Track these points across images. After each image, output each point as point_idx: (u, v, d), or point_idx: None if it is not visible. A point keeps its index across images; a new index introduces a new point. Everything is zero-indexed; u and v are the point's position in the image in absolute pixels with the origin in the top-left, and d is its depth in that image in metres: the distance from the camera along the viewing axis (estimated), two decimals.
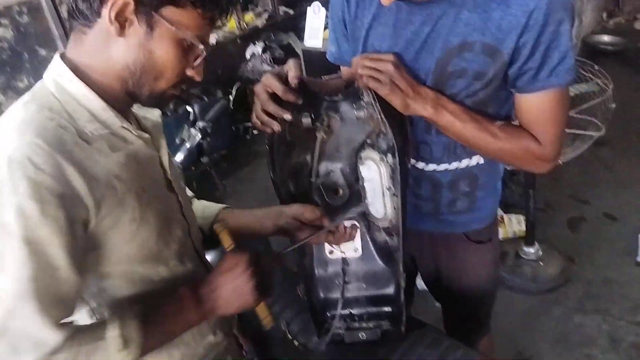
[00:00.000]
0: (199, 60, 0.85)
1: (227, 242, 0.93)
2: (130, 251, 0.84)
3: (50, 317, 0.72)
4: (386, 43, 1.01)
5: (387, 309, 1.19)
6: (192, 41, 0.82)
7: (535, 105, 0.99)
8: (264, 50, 4.03)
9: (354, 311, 1.20)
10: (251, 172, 3.55)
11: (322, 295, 1.20)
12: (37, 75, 2.78)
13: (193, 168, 3.15)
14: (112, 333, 0.77)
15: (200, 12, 0.80)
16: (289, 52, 4.10)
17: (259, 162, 3.60)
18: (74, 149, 0.76)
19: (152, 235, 0.86)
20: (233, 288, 0.88)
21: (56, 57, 0.84)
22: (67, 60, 0.83)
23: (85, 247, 0.78)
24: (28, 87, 0.84)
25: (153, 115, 0.97)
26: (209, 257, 1.37)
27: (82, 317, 0.86)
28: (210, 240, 1.09)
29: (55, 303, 0.73)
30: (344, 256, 1.15)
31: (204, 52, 0.84)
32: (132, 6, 0.76)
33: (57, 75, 0.82)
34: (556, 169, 1.98)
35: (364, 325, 1.19)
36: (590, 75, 1.85)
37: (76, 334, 0.75)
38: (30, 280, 0.71)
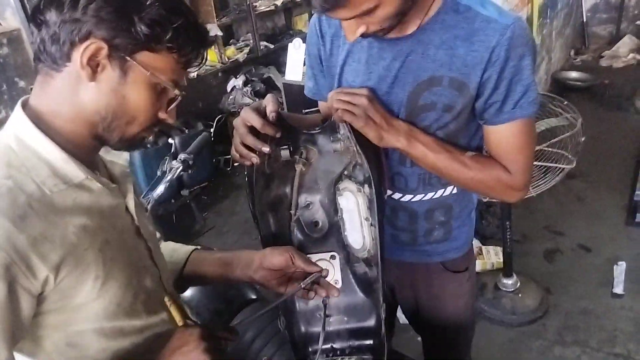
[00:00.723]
0: (173, 105, 0.85)
1: (177, 317, 0.89)
2: (98, 308, 0.81)
3: None
4: (360, 78, 1.05)
5: (369, 341, 1.18)
6: (166, 86, 0.81)
7: (503, 136, 1.02)
8: (244, 84, 4.09)
9: (336, 345, 1.19)
10: (231, 204, 3.53)
11: (303, 329, 1.19)
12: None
13: (173, 201, 3.12)
14: None
15: (176, 57, 0.79)
16: (270, 85, 4.17)
17: (239, 194, 3.60)
18: (28, 213, 0.72)
19: (119, 290, 0.83)
20: None
21: (17, 108, 0.80)
22: (29, 108, 0.80)
23: (42, 311, 0.76)
24: (5, 119, 0.81)
25: (120, 159, 0.94)
26: (188, 292, 1.35)
27: None
28: (179, 285, 1.08)
29: None
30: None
31: (179, 96, 0.84)
32: (105, 51, 0.74)
33: (18, 129, 0.78)
34: (530, 201, 2.03)
35: (346, 359, 1.18)
36: (560, 110, 1.92)
37: None
38: None
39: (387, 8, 0.88)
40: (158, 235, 1.10)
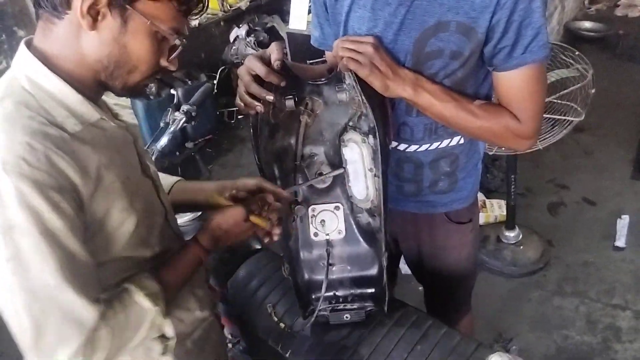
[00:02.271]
0: (175, 54, 0.85)
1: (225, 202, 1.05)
2: (121, 239, 0.86)
3: (86, 296, 0.75)
4: (365, 25, 1.02)
5: (371, 290, 1.21)
6: (166, 35, 0.81)
7: (512, 82, 1.00)
8: (247, 34, 3.99)
9: (339, 293, 1.22)
10: (236, 157, 3.53)
11: (306, 277, 1.21)
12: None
13: (178, 153, 3.12)
14: (139, 296, 0.83)
15: (176, 5, 0.79)
16: (273, 35, 4.07)
17: (243, 147, 3.59)
18: (61, 144, 0.76)
19: (139, 223, 0.87)
20: (236, 235, 1.01)
21: (22, 48, 0.81)
22: (35, 50, 0.80)
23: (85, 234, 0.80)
24: (6, 69, 0.82)
25: (124, 112, 0.97)
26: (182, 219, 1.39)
27: None
28: None
29: (84, 283, 0.76)
30: (328, 238, 1.16)
31: (180, 45, 0.84)
32: (102, 8, 0.75)
33: (29, 70, 0.79)
34: (536, 154, 2.02)
35: (348, 306, 1.21)
36: (571, 61, 1.87)
37: (108, 308, 0.78)
38: (59, 268, 0.73)
39: None
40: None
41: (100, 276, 0.85)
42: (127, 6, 0.76)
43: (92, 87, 0.84)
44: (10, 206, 0.71)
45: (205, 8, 0.86)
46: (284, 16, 3.93)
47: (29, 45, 0.81)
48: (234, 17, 3.97)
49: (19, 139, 0.72)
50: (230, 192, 1.07)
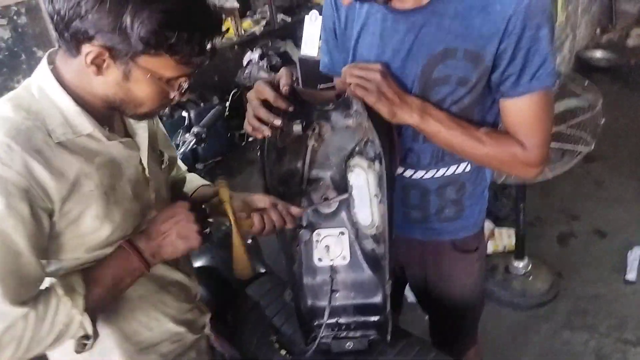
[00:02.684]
0: (183, 90, 0.89)
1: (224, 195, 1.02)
2: (93, 242, 0.91)
3: (13, 297, 0.80)
4: (374, 52, 1.04)
5: (374, 318, 1.19)
6: (168, 85, 0.86)
7: (519, 109, 1.00)
8: (261, 57, 4.05)
9: (342, 320, 1.20)
10: (245, 179, 3.55)
11: (309, 303, 1.20)
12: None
13: None
14: (58, 288, 0.85)
15: (177, 59, 0.82)
16: (286, 59, 4.13)
17: (252, 169, 3.61)
18: (43, 148, 0.82)
19: (114, 231, 0.92)
20: (177, 233, 0.93)
21: (44, 62, 0.88)
22: (54, 66, 0.88)
23: (49, 235, 0.86)
24: None
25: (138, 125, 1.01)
26: (198, 263, 1.38)
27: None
28: None
29: (18, 285, 0.81)
30: (332, 264, 1.16)
31: (177, 96, 0.89)
32: (107, 54, 0.80)
33: (41, 80, 0.87)
34: (547, 183, 2.00)
35: (351, 334, 1.19)
36: (581, 91, 1.87)
37: (37, 302, 0.83)
38: None
39: None
40: (184, 167, 1.27)
41: (64, 267, 0.91)
42: (129, 61, 0.81)
43: (102, 110, 0.89)
44: None
45: (210, 56, 0.87)
46: (297, 41, 3.99)
47: (51, 60, 0.88)
48: (248, 42, 4.04)
49: (0, 139, 0.79)
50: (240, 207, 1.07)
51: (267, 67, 4.03)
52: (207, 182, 1.22)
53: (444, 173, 1.14)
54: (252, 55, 4.02)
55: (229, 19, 3.76)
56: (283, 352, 1.24)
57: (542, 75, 0.96)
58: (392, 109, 0.97)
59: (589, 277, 2.45)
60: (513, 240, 2.50)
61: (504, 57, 0.95)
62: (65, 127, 0.85)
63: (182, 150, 1.67)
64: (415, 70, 1.00)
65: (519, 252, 2.41)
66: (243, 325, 1.36)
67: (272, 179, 1.10)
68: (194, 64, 0.85)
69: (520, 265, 2.41)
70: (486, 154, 1.03)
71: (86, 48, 0.79)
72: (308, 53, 2.67)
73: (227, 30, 0.89)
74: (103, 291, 0.90)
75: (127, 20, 0.76)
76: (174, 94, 0.89)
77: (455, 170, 1.14)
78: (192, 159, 3.26)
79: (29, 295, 0.83)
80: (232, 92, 3.79)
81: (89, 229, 0.89)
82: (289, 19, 4.23)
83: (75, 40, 0.80)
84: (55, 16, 0.79)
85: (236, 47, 4.02)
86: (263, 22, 4.08)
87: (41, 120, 0.84)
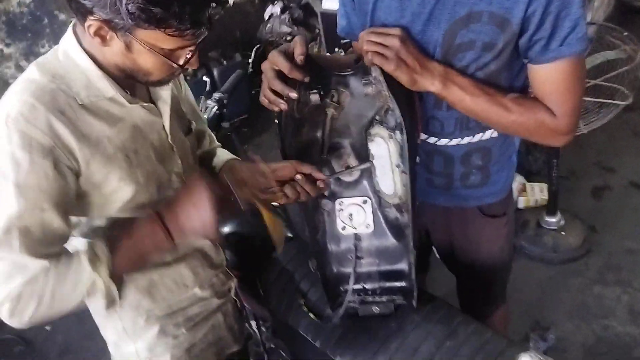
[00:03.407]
0: (190, 59, 0.88)
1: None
2: (117, 203, 0.94)
3: (33, 250, 0.83)
4: (392, 16, 0.98)
5: (400, 284, 1.19)
6: (170, 59, 0.86)
7: (548, 75, 0.95)
8: (282, 11, 3.94)
9: (367, 286, 1.21)
10: (270, 138, 3.54)
11: (335, 269, 1.21)
12: (58, 39, 2.79)
13: (215, 133, 3.16)
14: (84, 258, 0.88)
15: (169, 32, 0.81)
16: (309, 12, 4.01)
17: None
18: (66, 110, 0.86)
19: (137, 193, 0.94)
20: (197, 222, 0.92)
21: (70, 29, 0.91)
22: (77, 34, 0.90)
23: (77, 194, 0.89)
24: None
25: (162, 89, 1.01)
26: (226, 228, 1.41)
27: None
28: None
29: (39, 239, 0.84)
30: (356, 232, 1.15)
31: (193, 53, 0.87)
32: (106, 27, 0.81)
33: (67, 46, 0.90)
34: (581, 135, 1.93)
35: (377, 299, 1.20)
36: (619, 42, 1.76)
37: (59, 260, 0.86)
38: (16, 217, 0.82)
39: None
40: (217, 143, 1.28)
41: (96, 228, 0.96)
42: (127, 33, 0.81)
43: (121, 76, 0.91)
44: (1, 152, 0.82)
45: (209, 25, 0.84)
46: None
47: (75, 26, 0.90)
48: None
49: (25, 98, 0.83)
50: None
51: (289, 20, 3.92)
52: (229, 157, 1.21)
53: (470, 140, 1.10)
54: (274, 8, 3.91)
55: None
56: (312, 315, 1.27)
57: (572, 40, 0.90)
58: (412, 77, 0.93)
59: (623, 232, 2.39)
60: (545, 195, 2.44)
61: (532, 21, 0.89)
62: (88, 90, 0.88)
63: (205, 116, 1.67)
64: (436, 35, 0.95)
65: (551, 207, 2.36)
66: (272, 290, 1.39)
67: (291, 152, 1.08)
68: (190, 36, 0.83)
69: (552, 220, 2.37)
70: (513, 122, 0.98)
71: (88, 21, 0.81)
72: (330, 7, 2.57)
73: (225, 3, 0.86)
74: (127, 261, 0.93)
75: None
76: (180, 64, 0.88)
77: (481, 137, 1.10)
78: (217, 119, 3.28)
79: (50, 250, 0.86)
80: (255, 48, 3.72)
81: (114, 189, 0.92)
82: None
83: (79, 13, 0.82)
84: None
85: (257, 1, 3.92)
86: None
87: (66, 83, 0.87)
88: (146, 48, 0.83)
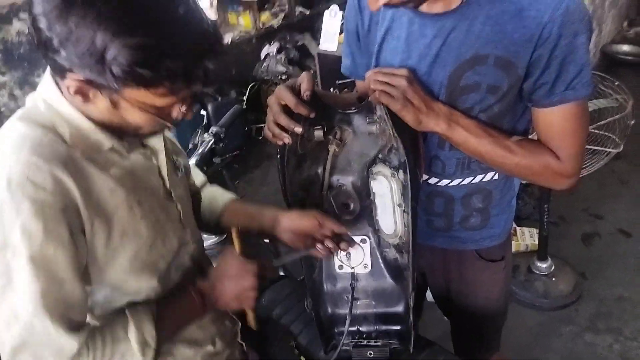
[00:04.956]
0: (182, 113, 0.82)
1: (238, 247, 1.01)
2: (122, 263, 0.85)
3: (64, 326, 0.75)
4: (399, 57, 1.00)
5: (396, 327, 1.16)
6: (161, 115, 0.79)
7: (553, 119, 0.96)
8: (279, 51, 4.02)
9: (362, 328, 1.18)
10: (262, 174, 3.54)
11: (330, 310, 1.18)
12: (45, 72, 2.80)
13: (205, 168, 3.15)
14: (131, 335, 0.81)
15: (160, 92, 0.74)
16: (304, 53, 4.09)
17: (270, 164, 3.59)
18: (69, 163, 0.77)
19: (143, 248, 0.87)
20: (237, 295, 0.94)
21: (47, 73, 0.81)
22: (57, 82, 0.79)
23: (87, 257, 0.80)
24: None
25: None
26: (207, 242, 1.37)
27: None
28: (217, 230, 1.14)
29: (66, 312, 0.76)
30: (353, 272, 1.13)
31: (173, 123, 0.82)
32: (89, 86, 0.73)
33: (46, 96, 0.80)
34: (578, 179, 1.94)
35: (372, 343, 1.16)
36: (610, 91, 1.81)
37: (96, 336, 0.79)
38: (40, 296, 0.73)
39: None
40: (203, 179, 1.18)
41: (100, 299, 0.86)
42: (113, 92, 0.74)
43: (109, 127, 0.83)
44: (8, 225, 0.72)
45: (205, 82, 0.77)
46: (315, 34, 3.94)
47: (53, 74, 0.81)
48: (266, 35, 4.01)
49: (25, 158, 0.74)
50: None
51: (285, 60, 3.99)
52: (232, 196, 1.16)
53: (470, 181, 1.10)
54: (270, 48, 3.99)
55: (248, 11, 3.73)
56: (303, 358, 1.22)
57: (577, 85, 0.91)
58: (418, 117, 0.93)
59: (613, 279, 2.39)
60: (535, 240, 2.45)
61: (538, 65, 0.91)
62: (84, 143, 0.80)
63: (200, 150, 1.66)
64: (442, 77, 0.96)
65: (541, 252, 2.36)
66: (263, 330, 1.35)
67: (291, 185, 1.07)
68: (184, 94, 0.77)
69: (543, 265, 2.37)
70: (517, 164, 0.99)
71: (67, 80, 0.73)
72: (327, 48, 2.63)
73: (223, 50, 0.77)
74: (167, 336, 0.89)
75: (98, 55, 0.68)
76: (173, 117, 0.81)
77: (482, 179, 1.10)
78: (209, 154, 3.27)
79: (79, 322, 0.79)
80: (250, 86, 3.77)
81: (115, 248, 0.83)
82: (307, 12, 4.18)
83: (56, 70, 0.74)
84: (33, 37, 0.72)
85: (254, 40, 3.99)
86: (281, 15, 4.03)
87: (59, 135, 0.79)
88: (135, 107, 0.76)
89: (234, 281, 0.93)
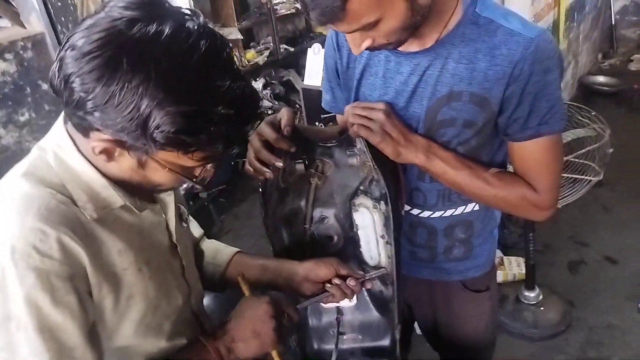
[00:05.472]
0: (204, 177, 0.79)
1: (246, 290, 0.94)
2: (128, 327, 0.81)
3: None
4: (376, 93, 1.02)
5: None
6: (188, 175, 0.76)
7: (528, 153, 0.98)
8: (264, 87, 4.08)
9: None
10: (249, 208, 3.52)
11: (316, 346, 1.16)
12: (39, 108, 2.79)
13: (191, 203, 3.13)
14: None
15: (195, 155, 0.71)
16: (290, 88, 4.16)
17: (256, 197, 3.51)
18: (77, 228, 0.72)
19: (149, 309, 0.83)
20: (253, 332, 0.87)
21: (59, 123, 0.77)
22: (70, 134, 0.76)
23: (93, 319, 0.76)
24: (28, 121, 0.82)
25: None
26: (205, 300, 1.34)
27: None
28: (220, 285, 1.08)
29: None
30: (338, 305, 1.12)
31: (202, 183, 0.79)
32: (117, 148, 0.70)
33: (56, 145, 0.76)
34: (555, 211, 1.97)
35: None
36: (587, 121, 1.86)
37: None
38: None
39: (391, 22, 0.83)
40: (200, 233, 1.12)
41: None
42: (143, 154, 0.71)
43: (124, 184, 0.79)
44: (11, 297, 0.68)
45: (242, 145, 0.78)
46: (300, 70, 4.02)
47: (68, 124, 0.77)
48: (252, 72, 4.08)
49: (30, 224, 0.69)
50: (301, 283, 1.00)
51: (270, 95, 4.05)
52: (235, 250, 1.10)
53: (452, 213, 1.11)
54: (256, 84, 4.05)
55: (234, 49, 3.80)
56: None
57: (550, 120, 0.93)
58: (396, 149, 0.95)
59: (601, 306, 2.39)
60: (523, 269, 2.45)
61: (511, 102, 0.93)
62: (94, 202, 0.75)
63: (186, 185, 1.65)
64: (419, 112, 0.98)
65: (529, 281, 2.36)
66: None
67: (273, 219, 1.07)
68: (219, 158, 0.75)
69: (531, 295, 2.36)
70: (494, 196, 1.00)
71: (93, 138, 0.69)
72: (311, 83, 2.67)
73: (261, 116, 0.78)
74: None
75: (140, 120, 0.65)
76: (197, 178, 0.78)
77: (463, 210, 1.11)
78: (195, 189, 3.26)
79: None
80: None
81: (121, 312, 0.79)
82: (292, 49, 4.28)
83: (80, 128, 0.71)
84: (61, 94, 0.68)
85: None
86: (266, 53, 4.12)
87: (68, 194, 0.74)
88: (165, 168, 0.72)
89: (249, 320, 0.87)
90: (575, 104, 1.94)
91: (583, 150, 1.82)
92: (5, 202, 0.72)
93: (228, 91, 0.68)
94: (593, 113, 1.87)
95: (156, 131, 0.65)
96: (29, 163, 0.76)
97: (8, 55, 2.69)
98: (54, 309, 0.69)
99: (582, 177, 1.84)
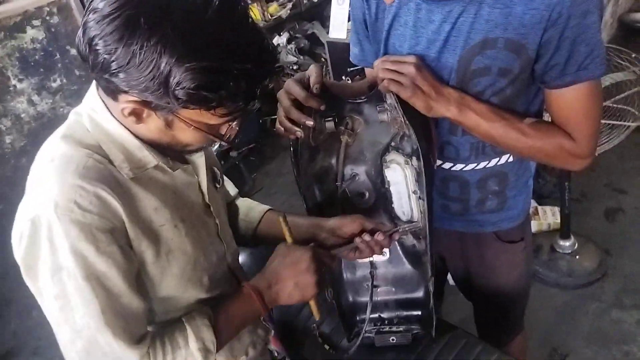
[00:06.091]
0: (230, 135, 0.82)
1: (288, 236, 0.96)
2: (170, 280, 0.85)
3: (126, 340, 0.77)
4: (407, 44, 0.99)
5: (417, 312, 1.17)
6: (215, 132, 0.78)
7: (566, 100, 0.95)
8: (288, 41, 4.01)
9: (384, 315, 1.19)
10: (278, 166, 3.55)
11: (351, 299, 1.19)
12: (69, 74, 2.82)
13: (222, 162, 3.17)
14: (192, 344, 0.82)
15: (219, 111, 0.74)
16: (314, 41, 4.07)
17: (286, 155, 3.60)
18: (114, 185, 0.77)
19: (189, 264, 0.87)
20: (296, 283, 0.90)
21: (92, 89, 0.81)
22: (103, 98, 0.80)
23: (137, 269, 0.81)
24: (61, 87, 0.86)
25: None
26: (241, 257, 1.38)
27: None
28: (253, 242, 1.12)
29: (126, 326, 0.77)
30: (371, 259, 1.14)
31: (226, 140, 0.82)
32: (144, 108, 0.73)
33: (91, 110, 0.80)
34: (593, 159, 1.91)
35: (394, 329, 1.18)
36: (627, 64, 1.77)
37: (156, 347, 0.80)
38: (100, 312, 0.75)
39: None
40: (235, 191, 1.16)
41: (158, 309, 0.87)
42: (169, 112, 0.74)
43: (154, 145, 0.83)
44: (59, 249, 0.73)
45: (257, 102, 0.77)
46: (324, 21, 3.92)
47: (99, 89, 0.80)
48: (275, 26, 3.99)
49: (70, 182, 0.74)
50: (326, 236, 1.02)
51: (295, 50, 3.98)
52: (267, 207, 1.14)
53: (485, 165, 1.09)
54: (280, 39, 3.98)
55: (255, 4, 3.72)
56: (326, 347, 1.24)
57: (589, 65, 0.89)
58: (428, 103, 0.93)
59: (638, 255, 2.35)
60: (558, 218, 2.42)
61: (549, 47, 0.89)
62: (130, 162, 0.80)
63: (214, 148, 1.67)
64: (452, 62, 0.95)
65: (564, 230, 2.33)
66: (286, 320, 1.37)
67: (305, 178, 1.08)
68: (241, 113, 0.77)
69: (566, 244, 2.33)
70: (531, 147, 0.97)
71: (122, 100, 0.73)
72: (336, 36, 2.62)
73: (281, 67, 0.79)
74: (226, 338, 0.89)
75: (162, 78, 0.67)
76: (223, 136, 0.81)
77: (497, 162, 1.09)
78: (225, 149, 3.29)
79: (141, 333, 0.80)
80: None
81: (162, 267, 0.84)
82: (315, 0, 4.16)
83: (109, 91, 0.74)
84: (87, 58, 0.71)
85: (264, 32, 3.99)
86: (289, 5, 4.01)
87: (104, 155, 0.79)
88: (190, 126, 0.75)
89: (292, 270, 0.90)
90: (614, 45, 1.84)
91: (622, 95, 1.74)
92: (47, 163, 0.77)
93: (244, 45, 0.70)
94: (633, 55, 1.77)
95: (177, 88, 0.68)
96: (66, 127, 0.82)
97: (35, 22, 2.71)
98: (98, 257, 0.74)
99: (621, 122, 1.77)
